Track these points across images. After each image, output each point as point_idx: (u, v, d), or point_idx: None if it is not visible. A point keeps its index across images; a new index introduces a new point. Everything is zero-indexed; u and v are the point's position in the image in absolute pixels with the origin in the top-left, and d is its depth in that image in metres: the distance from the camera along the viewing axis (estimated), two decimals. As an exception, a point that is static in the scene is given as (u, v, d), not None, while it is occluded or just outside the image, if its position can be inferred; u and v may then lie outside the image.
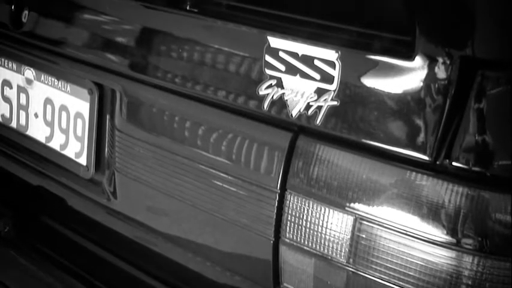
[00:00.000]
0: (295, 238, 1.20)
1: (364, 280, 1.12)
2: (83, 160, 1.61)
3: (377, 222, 1.09)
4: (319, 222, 1.16)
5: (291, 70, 1.19)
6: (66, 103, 1.64)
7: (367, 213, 1.10)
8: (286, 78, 1.20)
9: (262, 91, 1.23)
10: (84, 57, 1.59)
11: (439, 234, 1.04)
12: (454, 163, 1.04)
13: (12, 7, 1.74)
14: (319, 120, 1.16)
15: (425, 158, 1.05)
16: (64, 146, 1.66)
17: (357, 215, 1.11)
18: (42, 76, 1.70)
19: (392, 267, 1.08)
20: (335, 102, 1.14)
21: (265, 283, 1.27)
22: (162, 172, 1.42)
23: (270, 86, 1.22)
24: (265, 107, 1.23)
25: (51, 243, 1.82)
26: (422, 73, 1.05)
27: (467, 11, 1.04)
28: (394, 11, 1.11)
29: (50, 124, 1.69)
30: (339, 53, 1.13)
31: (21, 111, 1.77)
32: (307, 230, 1.18)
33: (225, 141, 1.30)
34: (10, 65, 1.79)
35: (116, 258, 1.66)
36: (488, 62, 1.02)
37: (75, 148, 1.63)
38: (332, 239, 1.15)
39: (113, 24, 1.57)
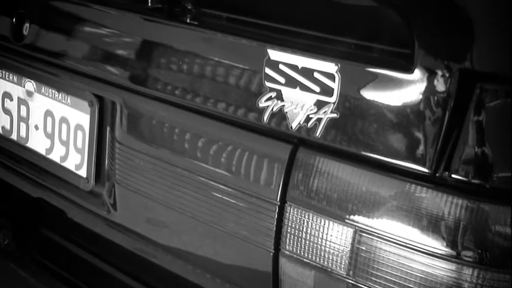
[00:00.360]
0: (295, 250, 1.20)
1: (364, 292, 1.12)
2: (83, 172, 1.61)
3: (377, 235, 1.09)
4: (319, 234, 1.16)
5: (291, 82, 1.19)
6: (67, 115, 1.64)
7: (366, 226, 1.10)
8: (286, 91, 1.20)
9: (262, 103, 1.23)
10: (84, 69, 1.59)
11: (439, 246, 1.04)
12: (453, 175, 1.04)
13: (14, 20, 1.75)
14: (318, 132, 1.16)
15: (425, 170, 1.05)
16: (64, 158, 1.66)
17: (356, 227, 1.11)
18: (43, 88, 1.71)
19: (392, 279, 1.08)
20: (335, 115, 1.14)
21: (265, 295, 1.27)
22: (162, 184, 1.42)
23: (270, 98, 1.22)
24: (265, 119, 1.23)
25: (51, 256, 1.82)
26: (422, 86, 1.05)
27: (466, 24, 1.05)
28: (394, 24, 1.11)
29: (50, 136, 1.69)
30: (339, 65, 1.14)
31: (21, 123, 1.78)
32: (307, 242, 1.18)
33: (225, 153, 1.31)
34: (11, 77, 1.80)
35: (116, 270, 1.66)
36: (487, 75, 1.02)
37: (75, 160, 1.63)
38: (332, 251, 1.15)
39: (113, 36, 1.57)
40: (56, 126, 1.67)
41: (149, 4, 1.47)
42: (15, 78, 1.79)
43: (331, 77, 1.14)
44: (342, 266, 1.13)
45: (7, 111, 1.81)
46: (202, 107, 1.35)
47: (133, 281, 1.61)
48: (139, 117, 1.49)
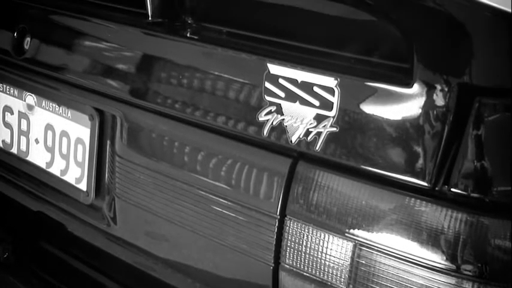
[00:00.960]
0: (294, 264, 1.19)
1: (364, 306, 1.12)
2: (83, 186, 1.61)
3: (376, 248, 1.09)
4: (318, 248, 1.16)
5: (291, 96, 1.19)
6: (67, 129, 1.64)
7: (366, 239, 1.10)
8: (286, 105, 1.20)
9: (262, 117, 1.24)
10: (85, 83, 1.60)
11: (439, 260, 1.04)
12: (453, 189, 1.04)
13: (15, 34, 1.75)
14: (318, 146, 1.16)
15: (424, 184, 1.05)
16: (64, 171, 1.66)
17: (356, 241, 1.11)
18: (43, 102, 1.71)
19: (392, 293, 1.08)
20: (334, 129, 1.15)
21: (265, 309, 1.27)
22: (162, 198, 1.42)
23: (270, 112, 1.23)
24: (265, 133, 1.23)
25: (51, 269, 1.82)
26: (421, 100, 1.06)
27: (464, 38, 1.05)
28: (393, 39, 1.12)
29: (50, 150, 1.69)
30: (338, 80, 1.14)
31: (21, 137, 1.78)
32: (307, 255, 1.18)
33: (225, 167, 1.31)
34: (11, 91, 1.80)
35: (115, 284, 1.65)
36: (486, 89, 1.03)
37: (75, 174, 1.63)
38: (332, 265, 1.15)
39: (114, 50, 1.58)
40: (56, 139, 1.67)
41: (149, 18, 1.48)
42: (16, 92, 1.79)
43: (330, 91, 1.15)
44: (342, 279, 1.13)
45: (8, 125, 1.82)
46: (202, 121, 1.35)
47: (133, 294, 1.61)
48: (139, 131, 1.49)
